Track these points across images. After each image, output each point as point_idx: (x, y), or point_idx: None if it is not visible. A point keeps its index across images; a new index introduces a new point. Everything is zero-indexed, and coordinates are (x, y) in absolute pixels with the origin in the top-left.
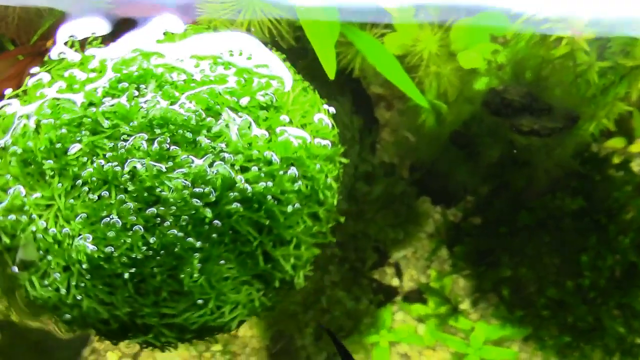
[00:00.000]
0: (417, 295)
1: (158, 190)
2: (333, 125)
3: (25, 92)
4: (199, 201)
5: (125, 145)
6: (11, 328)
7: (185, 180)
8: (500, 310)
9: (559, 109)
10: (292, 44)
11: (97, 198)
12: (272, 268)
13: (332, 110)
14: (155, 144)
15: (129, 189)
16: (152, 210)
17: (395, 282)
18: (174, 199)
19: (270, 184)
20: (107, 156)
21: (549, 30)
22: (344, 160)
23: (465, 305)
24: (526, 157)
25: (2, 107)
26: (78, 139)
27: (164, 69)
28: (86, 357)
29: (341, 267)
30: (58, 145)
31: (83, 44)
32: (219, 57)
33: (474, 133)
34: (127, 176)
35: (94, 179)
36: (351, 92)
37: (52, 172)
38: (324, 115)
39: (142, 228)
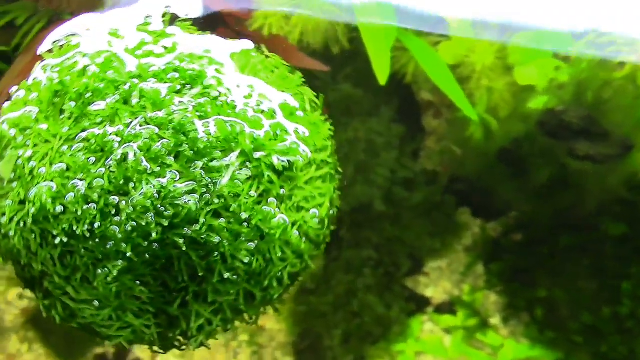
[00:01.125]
0: (448, 308)
1: (132, 185)
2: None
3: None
4: (153, 217)
5: (137, 130)
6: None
7: (158, 192)
8: (531, 330)
9: (615, 136)
10: (345, 45)
11: (83, 159)
12: (181, 314)
13: None
14: (159, 144)
15: (112, 169)
16: (115, 199)
17: (428, 292)
18: (137, 202)
19: (226, 243)
20: (117, 129)
21: (613, 53)
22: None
23: (495, 320)
24: (576, 181)
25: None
26: (107, 100)
27: (216, 82)
28: None
29: (376, 271)
30: (88, 95)
31: (173, 20)
32: (269, 101)
33: (525, 152)
34: (119, 157)
35: (94, 142)
36: (399, 98)
37: (69, 115)
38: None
39: (96, 208)
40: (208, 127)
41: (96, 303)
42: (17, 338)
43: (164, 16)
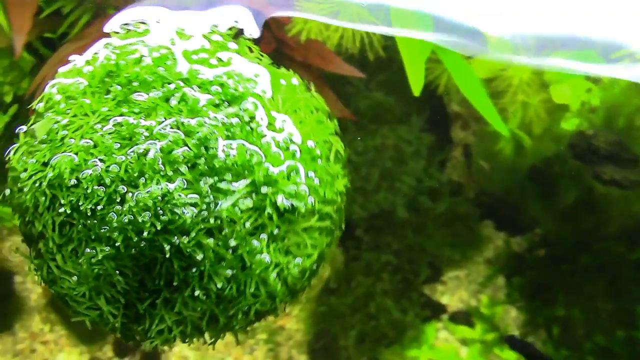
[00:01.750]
0: (464, 317)
1: (142, 180)
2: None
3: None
4: (150, 216)
5: (166, 131)
6: None
7: (163, 194)
8: (547, 347)
9: None
10: (381, 53)
11: (110, 142)
12: (147, 314)
13: None
14: (180, 151)
15: (131, 160)
16: (124, 188)
17: (444, 299)
18: (141, 198)
19: (208, 263)
20: (149, 124)
21: None
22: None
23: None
24: (601, 204)
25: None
26: (150, 94)
27: (253, 108)
28: None
29: (394, 276)
30: (135, 84)
31: (237, 36)
32: (295, 143)
33: (555, 172)
34: (141, 151)
35: (125, 129)
36: (430, 108)
37: (113, 97)
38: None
39: (104, 192)
40: (230, 148)
41: (75, 278)
42: (40, 318)
43: (230, 29)
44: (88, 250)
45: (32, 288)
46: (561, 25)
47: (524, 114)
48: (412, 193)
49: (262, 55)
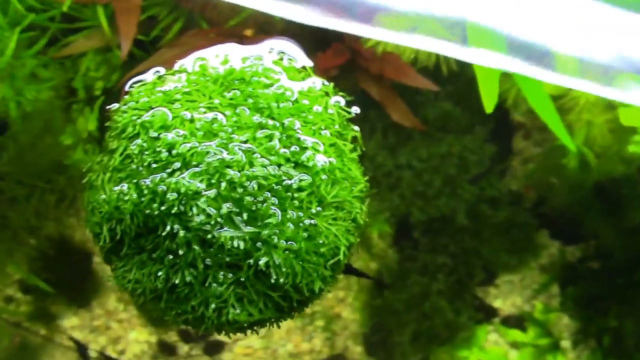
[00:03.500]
0: (516, 322)
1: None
2: None
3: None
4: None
5: (246, 149)
6: None
7: (211, 206)
8: (597, 357)
9: None
10: (454, 67)
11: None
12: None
13: None
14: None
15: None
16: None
17: (496, 303)
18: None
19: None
20: (243, 139)
21: None
22: None
23: (565, 343)
24: None
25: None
26: (254, 117)
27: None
28: None
29: (449, 277)
30: (250, 100)
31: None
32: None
33: (624, 193)
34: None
35: (224, 136)
36: (494, 119)
37: (230, 98)
38: None
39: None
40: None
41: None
42: (115, 298)
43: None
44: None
45: (108, 269)
46: (628, 48)
47: (589, 132)
48: (473, 200)
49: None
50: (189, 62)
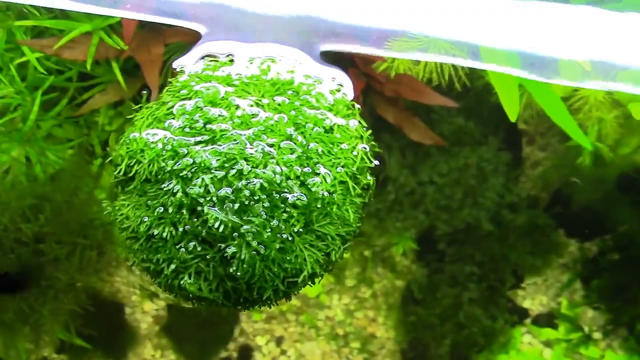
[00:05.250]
0: (546, 320)
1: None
2: None
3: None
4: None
5: (257, 150)
6: (180, 307)
7: (213, 184)
8: (630, 343)
9: None
10: (467, 84)
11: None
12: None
13: None
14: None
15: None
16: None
17: (525, 304)
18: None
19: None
20: (271, 141)
21: None
22: None
23: (596, 334)
24: None
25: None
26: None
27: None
28: (236, 338)
29: (479, 285)
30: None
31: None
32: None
33: None
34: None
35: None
36: (504, 128)
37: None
38: None
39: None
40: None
41: None
42: (151, 345)
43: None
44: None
45: (141, 318)
46: (626, 48)
47: (600, 129)
48: (494, 207)
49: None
50: (261, 57)
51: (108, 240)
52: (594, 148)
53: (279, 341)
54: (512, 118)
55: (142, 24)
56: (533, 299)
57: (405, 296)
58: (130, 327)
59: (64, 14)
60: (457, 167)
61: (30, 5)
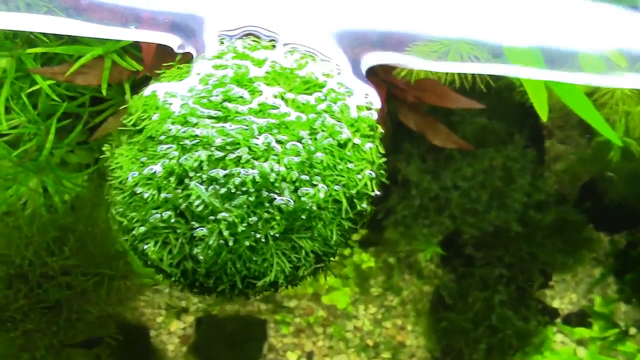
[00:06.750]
0: (578, 318)
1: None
2: None
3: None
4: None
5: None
6: (209, 322)
7: (210, 162)
8: None
9: None
10: (492, 84)
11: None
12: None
13: None
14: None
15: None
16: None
17: (555, 303)
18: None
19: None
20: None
21: None
22: None
23: (632, 330)
24: None
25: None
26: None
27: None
28: (266, 354)
29: (508, 287)
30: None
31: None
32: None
33: None
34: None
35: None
36: (528, 125)
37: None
38: None
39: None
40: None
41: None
42: None
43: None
44: None
45: (167, 340)
46: None
47: (627, 121)
48: (521, 208)
49: None
50: (302, 51)
51: (131, 269)
52: (623, 143)
53: (309, 356)
54: (544, 117)
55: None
56: (562, 297)
57: (433, 302)
58: (157, 351)
59: (72, 39)
60: (482, 169)
61: (39, 32)
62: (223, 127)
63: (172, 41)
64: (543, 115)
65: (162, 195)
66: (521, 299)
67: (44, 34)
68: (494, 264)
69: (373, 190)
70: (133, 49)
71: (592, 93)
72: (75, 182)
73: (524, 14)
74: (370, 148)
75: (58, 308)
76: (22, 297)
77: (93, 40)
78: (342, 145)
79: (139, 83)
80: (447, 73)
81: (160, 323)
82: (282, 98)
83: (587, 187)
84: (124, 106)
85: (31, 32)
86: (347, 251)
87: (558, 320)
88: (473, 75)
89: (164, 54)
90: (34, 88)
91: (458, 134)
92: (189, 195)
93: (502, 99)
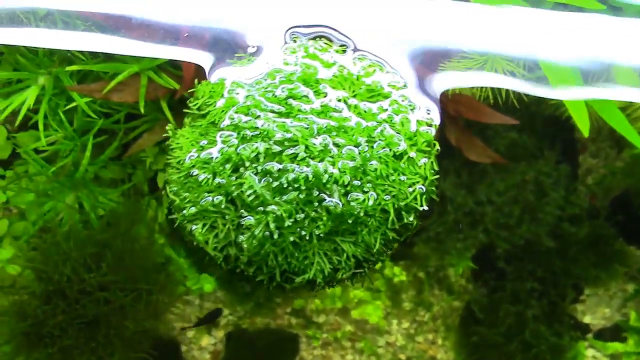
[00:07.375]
0: (611, 333)
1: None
2: None
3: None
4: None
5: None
6: (239, 337)
7: (266, 155)
8: None
9: None
10: (524, 100)
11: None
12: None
13: None
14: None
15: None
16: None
17: (586, 319)
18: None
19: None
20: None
21: None
22: None
23: None
24: None
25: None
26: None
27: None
28: None
29: (540, 301)
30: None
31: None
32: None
33: None
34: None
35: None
36: (560, 139)
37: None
38: None
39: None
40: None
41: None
42: None
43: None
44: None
45: (198, 355)
46: None
47: None
48: (554, 221)
49: None
50: (371, 60)
51: (170, 279)
52: None
53: None
54: (585, 133)
55: None
56: (594, 312)
57: (464, 316)
58: None
59: (107, 57)
60: (514, 184)
61: (75, 50)
62: (284, 122)
63: (206, 60)
64: (584, 130)
65: (217, 180)
66: (553, 313)
67: (80, 52)
68: (526, 277)
69: (422, 205)
70: (169, 66)
71: (625, 107)
72: (111, 198)
73: (559, 29)
74: (424, 163)
75: (96, 324)
76: (60, 312)
77: (129, 57)
78: (397, 157)
79: (171, 102)
80: (481, 88)
81: (191, 338)
82: (345, 102)
83: (618, 200)
84: (158, 121)
85: (67, 50)
86: (377, 265)
87: (589, 335)
88: (506, 90)
89: (203, 71)
90: (71, 105)
91: (491, 148)
92: (242, 184)
93: (530, 113)
